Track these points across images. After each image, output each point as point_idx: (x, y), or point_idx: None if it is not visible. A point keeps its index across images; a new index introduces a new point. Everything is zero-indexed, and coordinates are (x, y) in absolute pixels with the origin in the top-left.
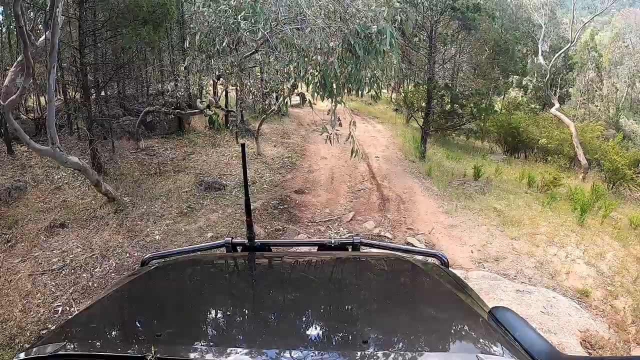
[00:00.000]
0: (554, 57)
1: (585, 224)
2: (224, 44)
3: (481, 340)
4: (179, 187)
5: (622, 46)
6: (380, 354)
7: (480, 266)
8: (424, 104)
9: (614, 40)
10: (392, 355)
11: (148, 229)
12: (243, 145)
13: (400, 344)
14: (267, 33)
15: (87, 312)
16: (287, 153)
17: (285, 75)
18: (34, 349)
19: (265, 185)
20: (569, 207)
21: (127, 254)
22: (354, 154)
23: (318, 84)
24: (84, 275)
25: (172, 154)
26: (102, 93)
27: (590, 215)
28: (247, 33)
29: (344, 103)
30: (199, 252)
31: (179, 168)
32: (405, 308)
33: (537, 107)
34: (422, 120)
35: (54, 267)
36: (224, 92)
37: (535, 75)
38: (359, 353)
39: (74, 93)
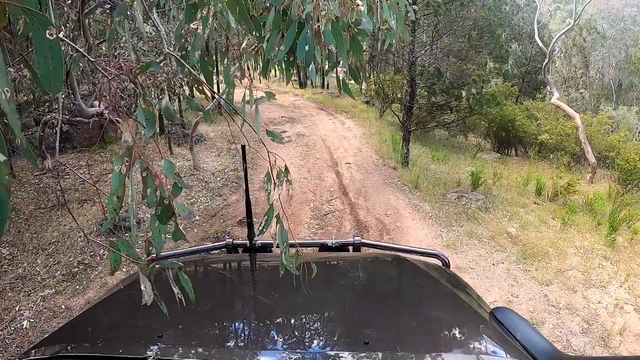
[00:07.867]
0: (554, 39)
1: (615, 244)
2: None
3: (483, 341)
4: (77, 227)
5: (594, 32)
6: (381, 354)
7: None
8: (400, 95)
9: (585, 27)
10: (394, 356)
11: (19, 306)
12: (243, 147)
13: (402, 345)
14: None
15: (88, 313)
16: (233, 164)
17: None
18: (35, 350)
19: (197, 217)
20: (590, 220)
21: None
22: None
23: None
24: None
25: (85, 173)
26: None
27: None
28: None
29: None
30: (200, 254)
31: (87, 196)
32: (407, 309)
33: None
34: (404, 115)
35: None
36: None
37: (511, 62)
38: (360, 354)
39: None
